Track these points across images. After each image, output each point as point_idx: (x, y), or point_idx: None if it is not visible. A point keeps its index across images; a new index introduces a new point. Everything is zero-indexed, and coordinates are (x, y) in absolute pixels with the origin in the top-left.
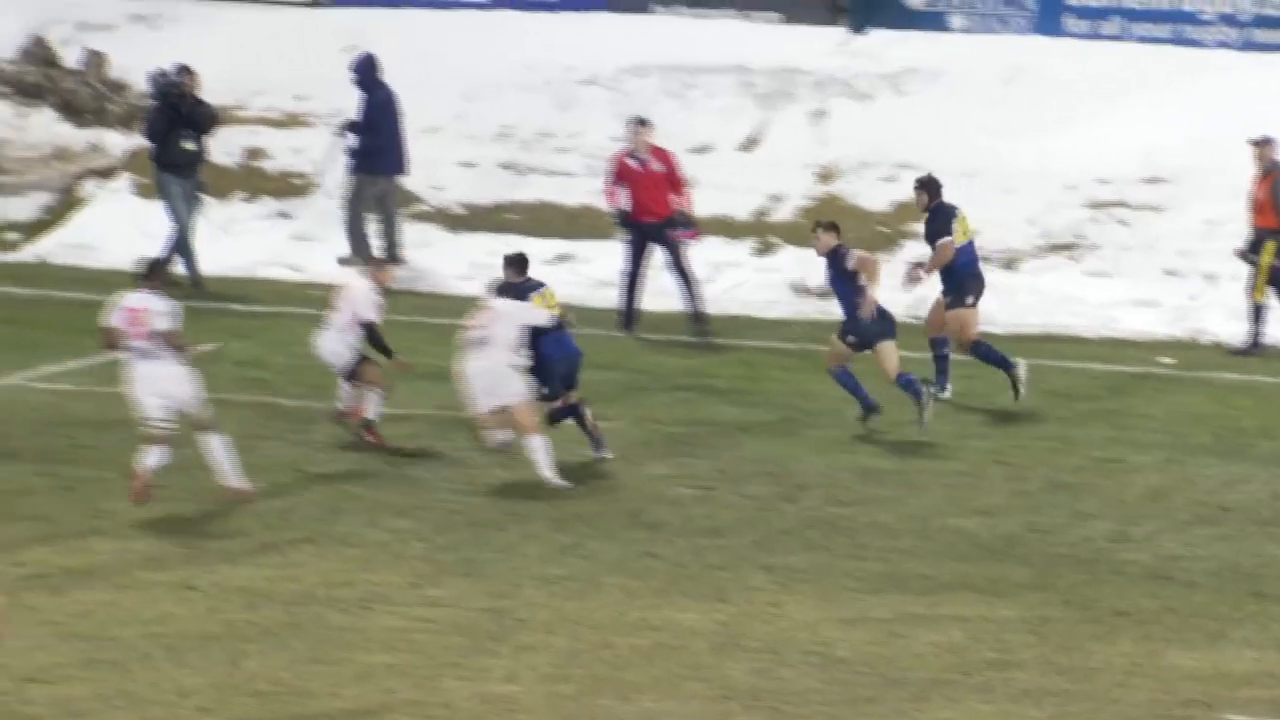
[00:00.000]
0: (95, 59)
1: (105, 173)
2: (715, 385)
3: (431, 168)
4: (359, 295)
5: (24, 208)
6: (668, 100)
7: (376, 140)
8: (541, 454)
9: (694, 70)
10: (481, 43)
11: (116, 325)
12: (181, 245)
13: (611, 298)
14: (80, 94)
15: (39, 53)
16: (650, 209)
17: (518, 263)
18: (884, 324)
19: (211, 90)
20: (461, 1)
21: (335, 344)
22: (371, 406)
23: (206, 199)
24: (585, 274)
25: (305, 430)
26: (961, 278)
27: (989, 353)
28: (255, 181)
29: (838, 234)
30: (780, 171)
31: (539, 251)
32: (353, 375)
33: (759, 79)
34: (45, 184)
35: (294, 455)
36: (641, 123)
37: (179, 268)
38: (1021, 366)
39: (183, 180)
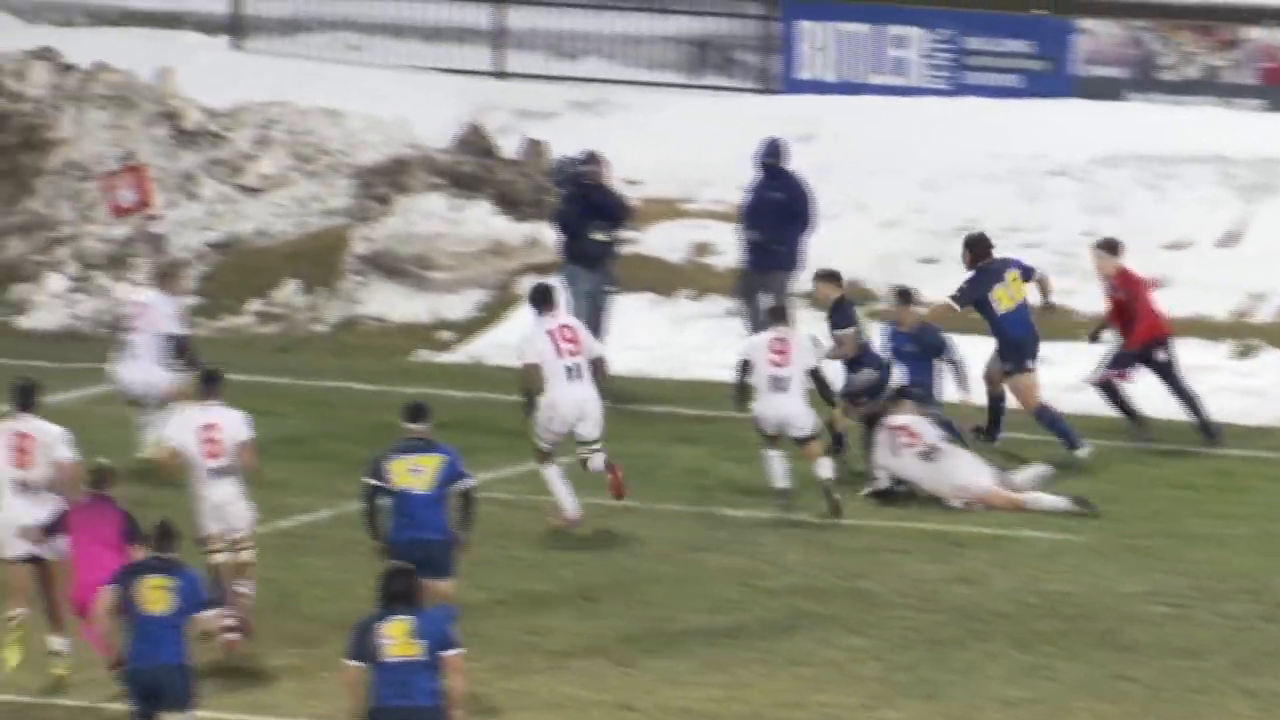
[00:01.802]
0: (534, 148)
1: (543, 268)
2: (1191, 495)
3: (890, 263)
4: None
5: (459, 306)
6: (1141, 192)
7: (774, 233)
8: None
9: (1170, 160)
10: (942, 131)
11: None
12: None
13: (1079, 402)
14: (518, 185)
15: (475, 142)
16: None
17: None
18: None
19: (656, 181)
20: (921, 88)
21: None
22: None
23: (615, 294)
24: (1055, 378)
25: (753, 542)
26: (1018, 342)
27: (1054, 422)
28: (703, 278)
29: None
30: (1263, 268)
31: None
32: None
33: (1240, 170)
34: (481, 280)
35: (741, 568)
36: (1107, 248)
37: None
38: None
39: (591, 274)
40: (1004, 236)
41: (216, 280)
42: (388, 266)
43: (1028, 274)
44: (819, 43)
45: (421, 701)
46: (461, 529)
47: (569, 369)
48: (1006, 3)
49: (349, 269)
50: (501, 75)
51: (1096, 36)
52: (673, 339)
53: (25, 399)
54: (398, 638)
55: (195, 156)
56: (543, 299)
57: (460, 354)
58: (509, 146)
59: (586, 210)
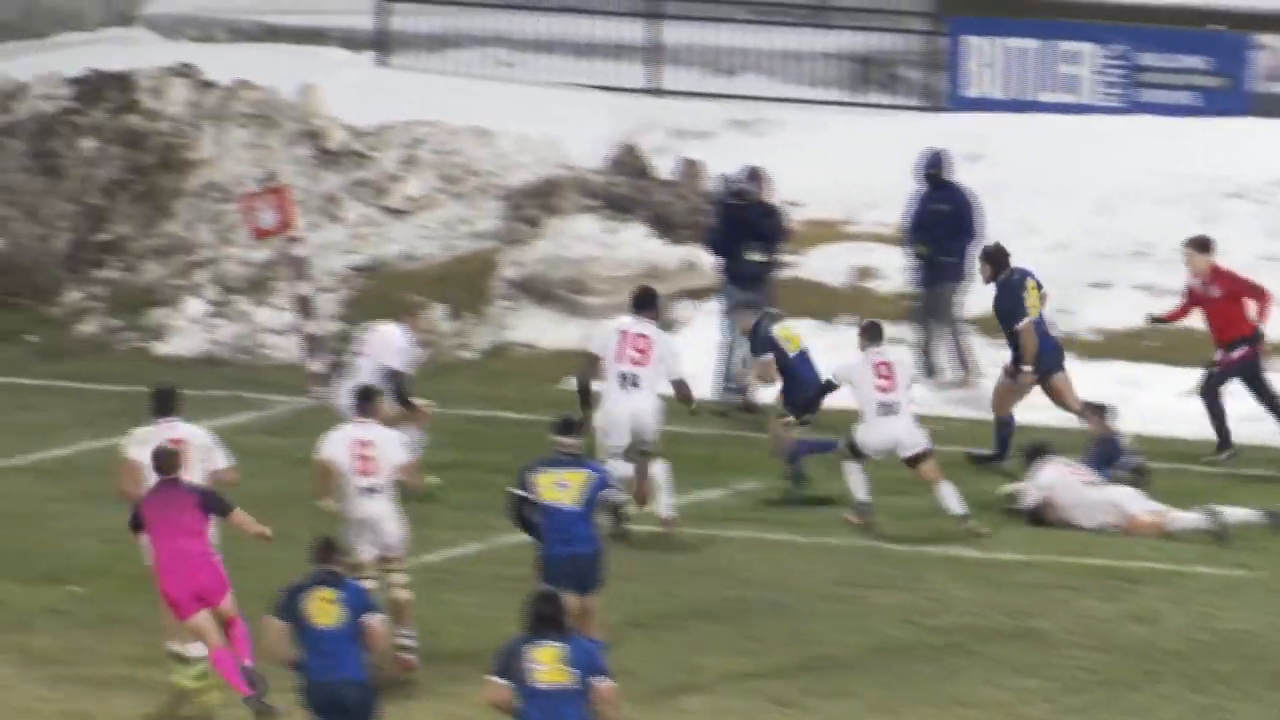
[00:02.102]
0: (690, 169)
1: (699, 293)
2: None
3: (1062, 288)
4: None
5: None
6: None
7: (940, 246)
8: None
9: None
10: (1114, 150)
11: None
12: (727, 365)
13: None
14: (673, 207)
15: (629, 162)
16: (1217, 335)
17: None
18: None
19: (817, 202)
20: (1093, 106)
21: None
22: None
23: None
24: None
25: (916, 577)
26: (1039, 353)
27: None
28: (865, 303)
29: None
30: None
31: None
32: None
33: None
34: None
35: (904, 604)
36: (1197, 245)
37: (734, 392)
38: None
39: (747, 295)
40: (1178, 261)
41: (360, 306)
42: (538, 291)
43: (1039, 285)
44: (986, 59)
45: None
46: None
47: (624, 375)
48: (1182, 18)
49: (498, 294)
50: (657, 92)
51: (1276, 52)
52: (833, 365)
53: (167, 404)
54: (548, 664)
55: (339, 177)
56: (639, 302)
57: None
58: (664, 167)
59: (739, 229)
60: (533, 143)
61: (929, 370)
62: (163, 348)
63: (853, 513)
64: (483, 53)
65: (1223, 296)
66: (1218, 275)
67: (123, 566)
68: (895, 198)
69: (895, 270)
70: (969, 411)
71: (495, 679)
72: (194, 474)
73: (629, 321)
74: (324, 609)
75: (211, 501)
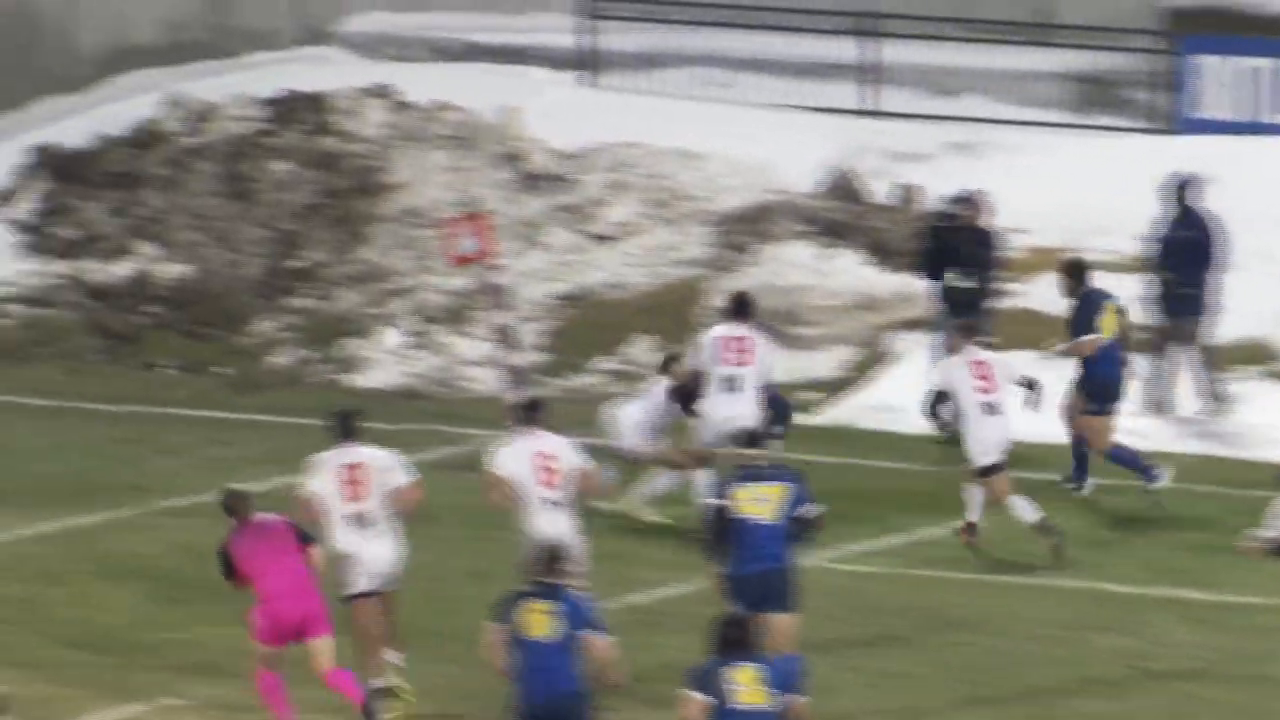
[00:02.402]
0: (907, 193)
1: (916, 324)
2: None
3: None
4: None
5: (825, 364)
6: None
7: (1184, 276)
8: None
9: None
10: None
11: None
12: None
13: None
14: (890, 234)
15: (844, 186)
16: None
17: None
18: None
19: (1041, 229)
20: None
21: None
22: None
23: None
24: None
25: (1140, 620)
26: (1104, 381)
27: (1130, 459)
28: None
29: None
30: None
31: None
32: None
33: None
34: (849, 337)
35: (1129, 649)
36: None
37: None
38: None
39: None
40: None
41: (563, 336)
42: None
43: (1122, 312)
44: (1217, 78)
45: None
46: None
47: (727, 378)
48: None
49: (706, 323)
50: (873, 114)
51: None
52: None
53: (349, 427)
54: (747, 684)
55: (541, 202)
56: (737, 308)
57: (826, 416)
58: (880, 191)
59: (949, 254)
60: (743, 166)
61: (1163, 404)
62: (357, 380)
63: (965, 530)
64: (691, 72)
65: None
66: None
67: None
68: (1123, 224)
69: (1125, 300)
70: (1207, 447)
71: (693, 694)
72: (373, 497)
73: (728, 327)
74: (539, 621)
75: (301, 531)
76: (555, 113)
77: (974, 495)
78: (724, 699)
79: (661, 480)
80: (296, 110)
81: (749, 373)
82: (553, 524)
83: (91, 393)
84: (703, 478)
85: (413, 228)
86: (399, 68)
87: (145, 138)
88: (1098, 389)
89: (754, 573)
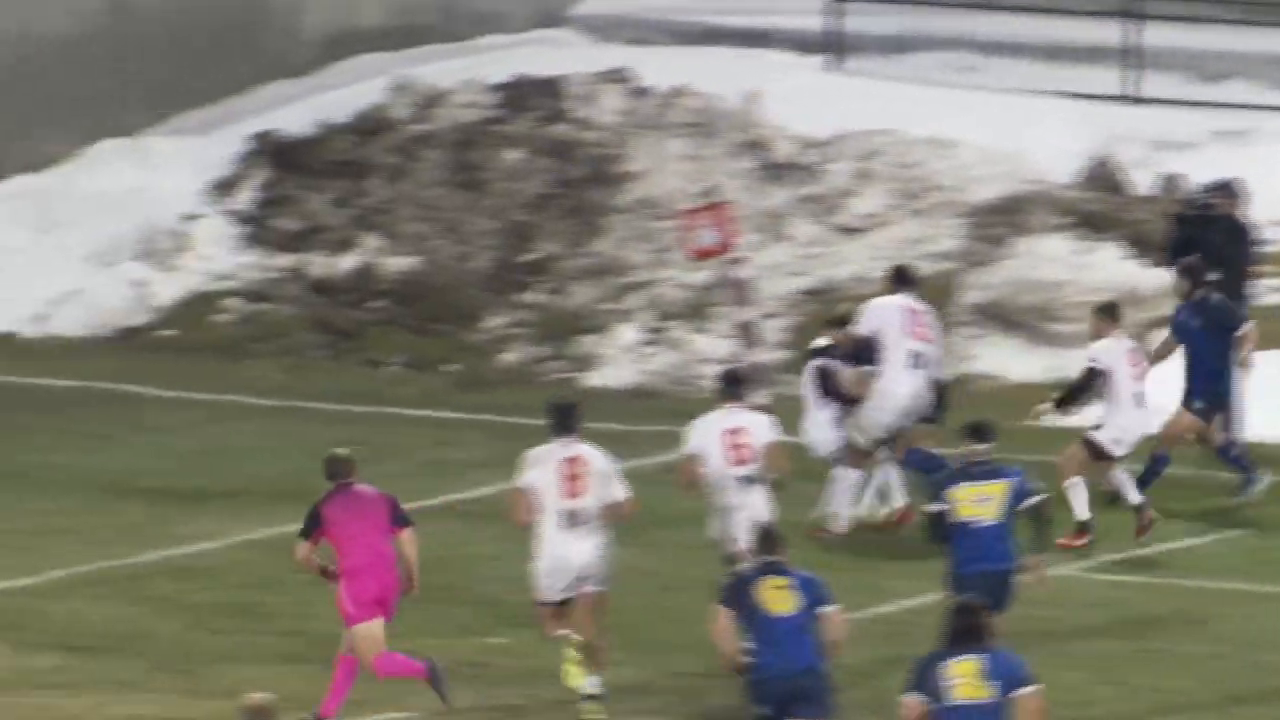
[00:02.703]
0: (1171, 184)
1: None
2: None
3: None
4: None
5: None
6: None
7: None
8: None
9: None
10: None
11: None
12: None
13: None
14: (1153, 226)
15: (1104, 176)
16: None
17: None
18: None
19: None
20: None
21: None
22: None
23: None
24: None
25: None
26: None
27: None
28: None
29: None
30: None
31: None
32: None
33: None
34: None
35: None
36: None
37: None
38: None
39: None
40: None
41: (808, 333)
42: (1003, 317)
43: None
44: None
45: None
46: (1037, 548)
47: (913, 353)
48: None
49: (958, 320)
50: (1134, 100)
51: None
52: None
53: (569, 421)
54: (966, 678)
55: (785, 192)
56: (902, 279)
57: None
58: (1142, 181)
59: (1198, 245)
60: (997, 154)
61: None
62: (592, 378)
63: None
64: (942, 56)
65: None
66: None
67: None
68: None
69: None
70: None
71: (911, 695)
72: (590, 496)
73: (904, 299)
74: (780, 596)
75: (398, 512)
76: (799, 98)
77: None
78: (941, 696)
79: (883, 474)
80: (528, 96)
81: (932, 351)
82: (748, 500)
83: (312, 391)
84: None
85: (650, 219)
86: (635, 51)
87: (370, 125)
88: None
89: (977, 573)
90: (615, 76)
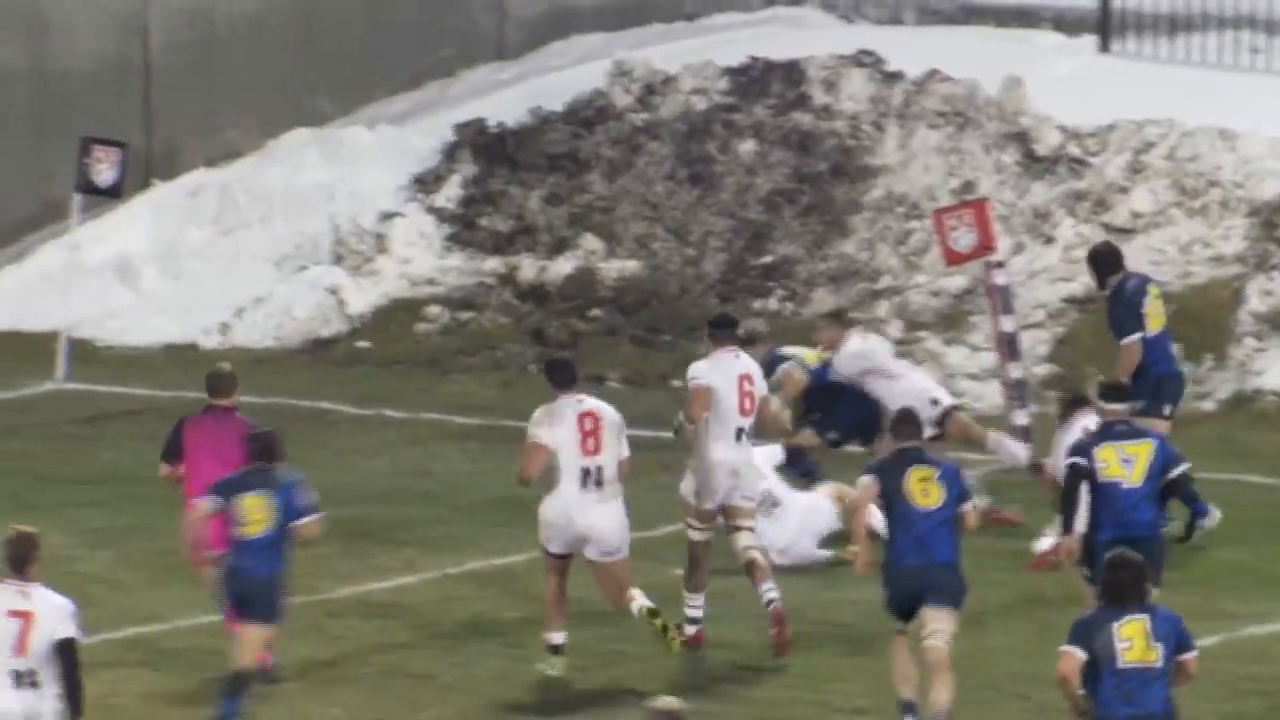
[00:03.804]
0: None
1: None
2: None
3: None
4: None
5: None
6: None
7: None
8: None
9: None
10: None
11: None
12: None
13: None
14: None
15: None
16: None
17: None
18: None
19: None
20: None
21: None
22: None
23: None
24: None
25: None
26: (1156, 379)
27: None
28: None
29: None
30: None
31: None
32: None
33: None
34: None
35: None
36: None
37: None
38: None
39: None
40: None
41: (1074, 345)
42: None
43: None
44: None
45: (1155, 709)
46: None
47: None
48: None
49: (1244, 331)
50: None
51: None
52: None
53: (571, 375)
54: (1135, 640)
55: (1051, 189)
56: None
57: None
58: None
59: None
60: None
61: None
62: None
63: None
64: (1225, 37)
65: None
66: None
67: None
68: None
69: None
70: None
71: (1074, 649)
72: (608, 453)
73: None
74: (928, 489)
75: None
76: (1066, 84)
77: None
78: (1114, 657)
79: None
80: (765, 81)
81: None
82: (734, 453)
83: (522, 409)
84: None
85: (900, 218)
86: (884, 32)
87: (588, 113)
88: (1149, 389)
89: (1118, 539)
90: (861, 59)
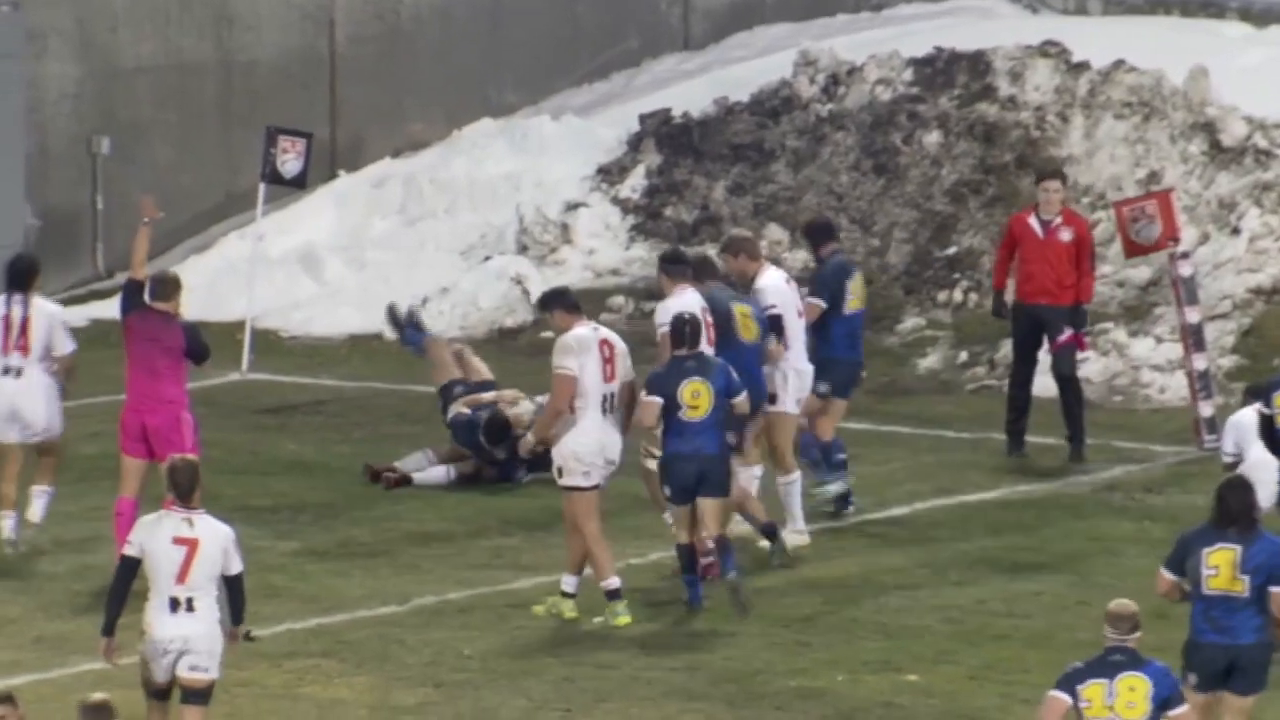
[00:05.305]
0: None
1: None
2: None
3: None
4: None
5: None
6: None
7: None
8: None
9: None
10: None
11: None
12: None
13: None
14: None
15: None
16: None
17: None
18: None
19: None
20: None
21: None
22: None
23: None
24: None
25: None
26: (830, 359)
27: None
28: None
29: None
30: None
31: None
32: None
33: None
34: None
35: None
36: (1054, 175)
37: None
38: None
39: None
40: None
41: (1258, 336)
42: None
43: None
44: None
45: (1244, 639)
46: None
47: None
48: None
49: None
50: None
51: None
52: None
53: (577, 304)
54: (1221, 568)
55: (1237, 180)
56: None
57: None
58: None
59: None
60: None
61: None
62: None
63: None
64: None
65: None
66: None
67: (968, 654)
68: None
69: None
70: None
71: (1166, 571)
72: (618, 382)
73: None
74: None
75: (196, 347)
76: (1253, 75)
77: None
78: (1199, 582)
79: None
80: (951, 71)
81: None
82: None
83: None
84: None
85: (1085, 209)
86: (1070, 21)
87: (773, 104)
88: (840, 372)
89: None
90: (1047, 50)
